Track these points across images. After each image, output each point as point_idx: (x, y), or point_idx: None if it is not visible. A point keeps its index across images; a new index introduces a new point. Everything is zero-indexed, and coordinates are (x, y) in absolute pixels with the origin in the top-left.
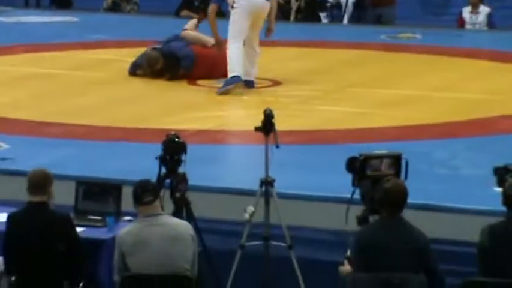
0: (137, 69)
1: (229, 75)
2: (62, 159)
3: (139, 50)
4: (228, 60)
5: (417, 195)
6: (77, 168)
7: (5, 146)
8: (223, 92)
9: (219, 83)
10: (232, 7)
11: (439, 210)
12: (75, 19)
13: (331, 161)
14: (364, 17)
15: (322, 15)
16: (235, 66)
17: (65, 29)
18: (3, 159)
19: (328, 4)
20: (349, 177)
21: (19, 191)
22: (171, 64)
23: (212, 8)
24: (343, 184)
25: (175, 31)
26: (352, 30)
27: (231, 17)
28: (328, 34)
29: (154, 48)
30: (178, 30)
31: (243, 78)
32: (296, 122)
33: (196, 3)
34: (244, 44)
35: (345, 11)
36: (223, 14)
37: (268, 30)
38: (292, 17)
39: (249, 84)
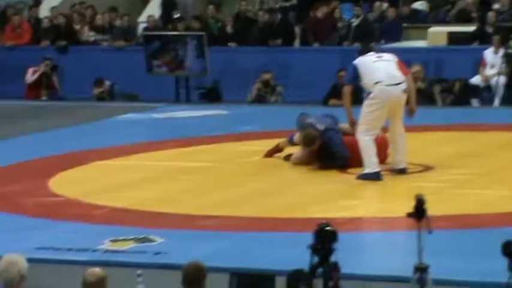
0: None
1: (365, 169)
2: (215, 252)
3: None
4: (362, 153)
5: None
6: (230, 260)
7: (159, 240)
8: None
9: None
10: (367, 97)
11: None
12: (225, 112)
13: (486, 245)
14: None
15: (473, 100)
16: (369, 160)
17: (215, 122)
18: (158, 253)
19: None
20: (505, 261)
21: (174, 285)
22: (326, 156)
23: (346, 89)
24: (499, 269)
25: None
26: (504, 112)
27: (365, 107)
28: (479, 117)
29: (316, 129)
30: None
31: (393, 167)
32: (449, 207)
33: None
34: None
35: (495, 93)
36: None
37: (410, 112)
38: (439, 102)
39: (401, 172)
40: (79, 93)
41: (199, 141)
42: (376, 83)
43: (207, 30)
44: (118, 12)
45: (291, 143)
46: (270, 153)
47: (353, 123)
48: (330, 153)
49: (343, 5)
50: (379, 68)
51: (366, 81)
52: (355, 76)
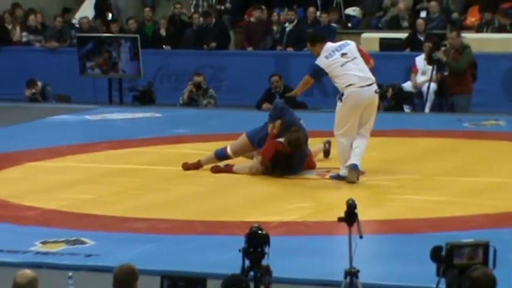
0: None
1: (341, 170)
2: (146, 254)
3: (221, 144)
4: (339, 154)
5: (506, 285)
6: (161, 263)
7: (90, 242)
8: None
9: (305, 175)
10: (340, 99)
11: None
12: (158, 114)
13: (416, 250)
14: (446, 105)
15: (405, 106)
16: (345, 163)
17: (148, 124)
18: (89, 255)
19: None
20: (433, 266)
21: (105, 287)
22: (283, 163)
23: (308, 78)
24: (428, 274)
25: (257, 124)
26: (434, 119)
27: (338, 110)
28: (410, 123)
29: (304, 132)
30: (260, 123)
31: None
32: (380, 212)
33: (277, 96)
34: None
35: (426, 100)
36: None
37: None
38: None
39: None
40: (11, 94)
41: (132, 143)
42: (348, 85)
43: (141, 33)
44: (51, 13)
45: (221, 158)
46: (189, 167)
47: (296, 94)
48: (288, 159)
49: (277, 10)
50: (350, 68)
51: (336, 81)
52: (321, 74)
